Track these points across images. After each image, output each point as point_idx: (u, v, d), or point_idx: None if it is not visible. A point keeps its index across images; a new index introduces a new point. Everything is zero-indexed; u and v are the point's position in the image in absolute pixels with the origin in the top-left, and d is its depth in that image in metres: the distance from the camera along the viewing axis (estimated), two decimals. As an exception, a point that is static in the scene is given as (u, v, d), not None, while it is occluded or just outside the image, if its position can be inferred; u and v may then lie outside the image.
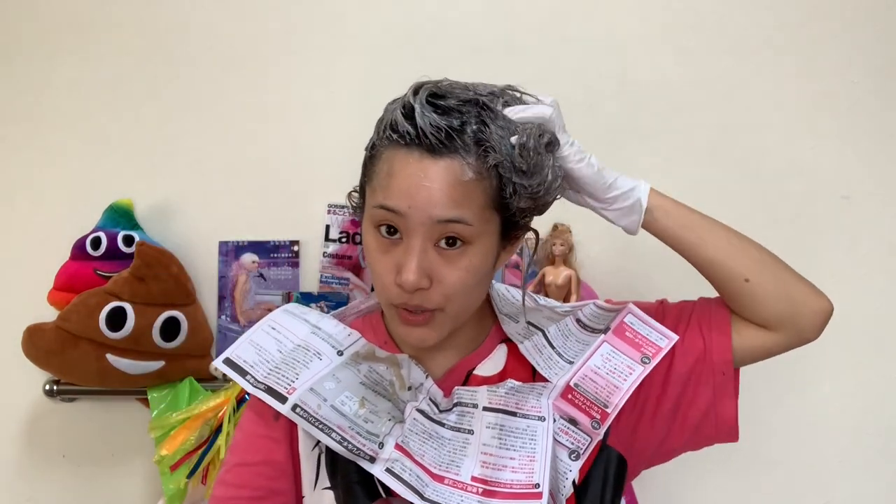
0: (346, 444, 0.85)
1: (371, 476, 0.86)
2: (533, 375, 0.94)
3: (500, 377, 0.94)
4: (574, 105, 1.57)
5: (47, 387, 1.58)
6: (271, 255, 1.60)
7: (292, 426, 0.91)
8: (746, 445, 1.55)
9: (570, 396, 0.89)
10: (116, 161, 1.64)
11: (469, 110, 0.80)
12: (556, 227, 1.53)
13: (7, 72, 1.66)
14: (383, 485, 0.85)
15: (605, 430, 0.89)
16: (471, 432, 0.88)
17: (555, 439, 0.87)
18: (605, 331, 0.95)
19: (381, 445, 0.86)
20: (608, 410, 0.88)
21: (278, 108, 1.61)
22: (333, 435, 0.85)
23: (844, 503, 1.55)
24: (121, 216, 1.57)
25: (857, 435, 1.55)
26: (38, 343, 1.45)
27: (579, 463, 0.88)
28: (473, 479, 0.85)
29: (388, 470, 0.84)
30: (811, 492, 1.56)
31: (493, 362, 0.94)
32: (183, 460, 1.44)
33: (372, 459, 0.85)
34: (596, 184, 0.87)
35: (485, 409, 0.88)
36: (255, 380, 0.88)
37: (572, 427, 0.89)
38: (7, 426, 1.64)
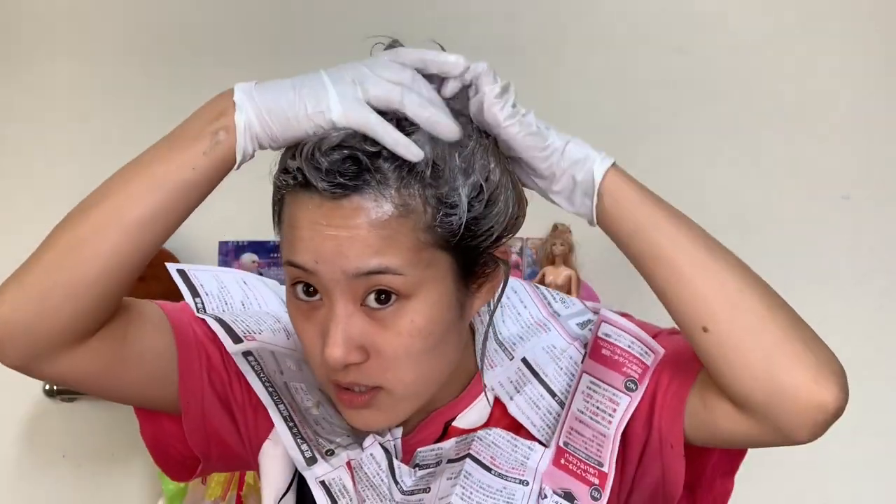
0: (291, 423, 0.71)
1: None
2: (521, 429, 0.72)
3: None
4: (574, 105, 1.58)
5: (47, 387, 1.58)
6: (271, 255, 1.60)
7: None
8: (746, 445, 1.56)
9: (562, 461, 0.69)
10: (116, 161, 1.62)
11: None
12: (556, 227, 1.53)
13: (7, 71, 1.66)
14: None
15: (606, 498, 0.66)
16: (426, 490, 0.69)
17: None
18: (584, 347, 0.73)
19: (331, 453, 0.70)
20: (604, 469, 0.66)
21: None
22: (281, 408, 0.71)
23: (844, 503, 1.55)
24: (121, 216, 1.57)
25: (857, 435, 1.55)
26: (38, 343, 1.45)
27: None
28: None
29: (323, 483, 0.70)
30: (811, 492, 1.56)
31: (478, 412, 0.71)
32: (183, 460, 1.43)
33: (313, 460, 0.70)
34: (530, 149, 0.61)
35: (449, 461, 0.70)
36: (204, 308, 0.75)
37: None
38: (7, 426, 1.64)
